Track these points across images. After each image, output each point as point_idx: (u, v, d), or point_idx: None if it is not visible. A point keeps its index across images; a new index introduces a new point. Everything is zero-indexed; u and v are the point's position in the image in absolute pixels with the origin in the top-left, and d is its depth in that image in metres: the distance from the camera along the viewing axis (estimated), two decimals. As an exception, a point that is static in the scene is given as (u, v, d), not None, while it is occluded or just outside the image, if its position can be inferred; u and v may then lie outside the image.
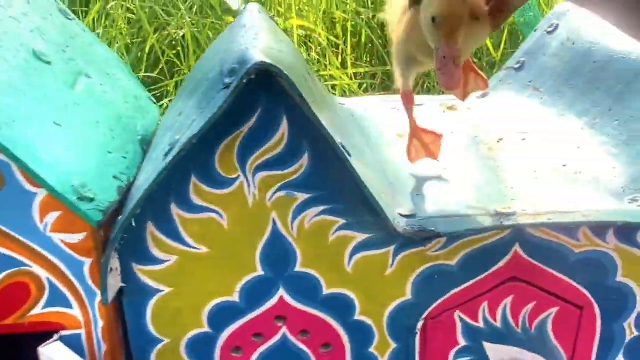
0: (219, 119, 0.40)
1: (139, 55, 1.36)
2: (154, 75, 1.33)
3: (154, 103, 0.73)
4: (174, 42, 1.40)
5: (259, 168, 0.43)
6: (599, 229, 0.47)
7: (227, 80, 0.40)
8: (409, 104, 0.52)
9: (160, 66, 1.33)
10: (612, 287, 0.50)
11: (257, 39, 0.48)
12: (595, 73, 0.63)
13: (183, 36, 1.36)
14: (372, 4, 1.49)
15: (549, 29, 0.75)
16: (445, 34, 0.37)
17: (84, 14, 1.41)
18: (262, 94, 0.41)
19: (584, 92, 0.63)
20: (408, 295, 0.48)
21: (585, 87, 0.63)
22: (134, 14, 1.45)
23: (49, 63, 0.53)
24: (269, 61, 0.39)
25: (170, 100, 1.21)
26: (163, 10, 1.35)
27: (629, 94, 0.57)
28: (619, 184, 0.50)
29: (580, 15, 0.72)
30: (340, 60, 1.39)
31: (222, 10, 1.17)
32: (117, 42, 1.35)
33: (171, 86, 1.27)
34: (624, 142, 0.54)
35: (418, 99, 0.72)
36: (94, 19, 1.37)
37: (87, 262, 0.44)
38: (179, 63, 1.33)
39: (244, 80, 0.39)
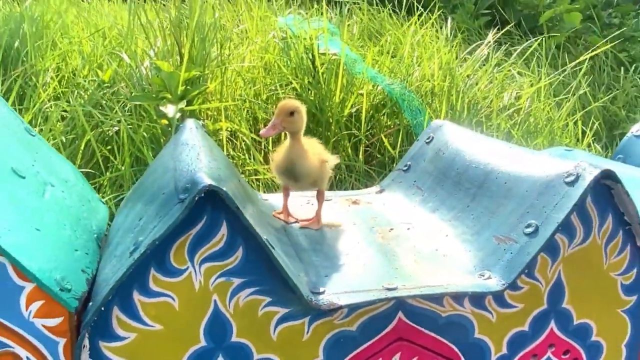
0: (175, 226, 0.54)
1: (74, 150, 1.46)
2: (87, 169, 1.42)
3: (102, 203, 0.85)
4: (107, 139, 1.51)
5: (204, 260, 0.57)
6: (458, 297, 0.64)
7: (181, 196, 0.54)
8: (285, 192, 0.82)
9: (94, 160, 1.43)
10: (472, 343, 0.66)
11: (199, 159, 0.63)
12: (458, 177, 0.83)
13: (117, 132, 1.47)
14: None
15: (427, 140, 0.96)
16: (275, 116, 0.72)
17: (20, 112, 1.50)
18: (207, 205, 0.56)
19: (451, 192, 0.83)
20: (321, 357, 0.62)
21: (451, 187, 0.83)
22: (66, 111, 1.56)
23: (23, 177, 0.65)
24: (214, 183, 0.54)
25: (104, 195, 1.31)
26: (98, 112, 1.47)
27: (480, 195, 0.77)
28: (472, 264, 0.68)
29: (449, 131, 0.94)
30: (262, 155, 1.56)
31: (158, 115, 1.32)
32: (53, 139, 1.44)
33: (105, 181, 1.37)
34: (476, 232, 0.73)
35: (328, 194, 0.89)
36: (31, 119, 1.46)
37: (62, 341, 0.54)
38: (112, 158, 1.43)
39: (195, 198, 0.53)
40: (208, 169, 0.58)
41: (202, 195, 0.54)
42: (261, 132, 0.74)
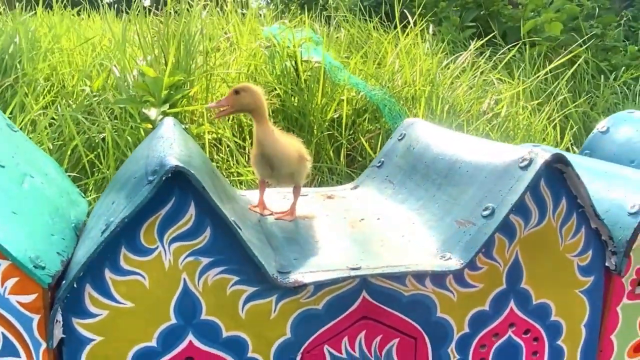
0: (144, 205, 0.57)
1: (60, 156, 1.49)
2: (74, 174, 1.45)
3: (83, 197, 0.87)
4: (93, 145, 1.55)
5: (173, 240, 0.60)
6: (419, 276, 0.67)
7: (150, 178, 0.57)
8: (262, 187, 0.84)
9: (81, 165, 1.46)
10: (435, 321, 0.69)
11: (171, 147, 0.66)
12: (426, 170, 0.86)
13: (103, 138, 1.50)
14: (274, 112, 1.74)
15: (399, 137, 1.00)
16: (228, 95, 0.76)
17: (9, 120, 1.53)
18: (175, 187, 0.59)
19: (419, 184, 0.86)
20: (288, 334, 0.65)
21: (420, 179, 0.87)
22: (54, 119, 1.59)
23: (3, 167, 0.68)
24: (181, 164, 0.57)
25: (91, 197, 1.34)
26: (85, 118, 1.51)
27: (445, 185, 0.80)
28: (435, 247, 0.71)
29: (420, 127, 0.98)
30: (246, 158, 1.60)
31: (142, 118, 1.35)
32: (40, 145, 1.47)
33: (91, 184, 1.40)
34: (440, 218, 0.76)
35: (304, 190, 0.92)
36: (20, 127, 1.49)
37: (36, 318, 0.56)
38: (98, 163, 1.46)
39: (163, 178, 0.56)
40: (178, 154, 0.62)
41: (170, 176, 0.57)
42: (208, 104, 0.78)
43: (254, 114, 0.77)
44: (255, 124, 0.77)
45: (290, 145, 0.81)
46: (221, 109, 0.76)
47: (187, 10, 1.87)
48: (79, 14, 2.96)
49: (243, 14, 2.61)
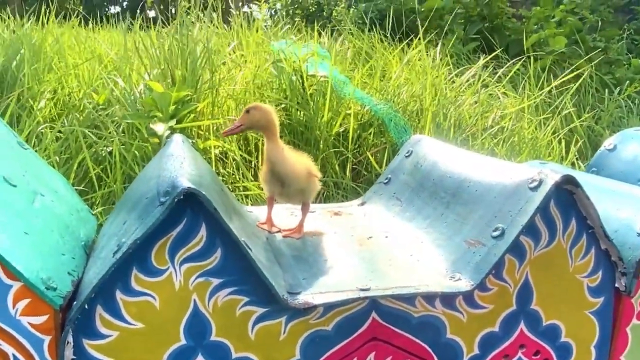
0: (156, 227, 0.57)
1: (67, 170, 1.49)
2: (80, 187, 1.46)
3: (92, 214, 0.88)
4: (100, 159, 1.55)
5: (184, 261, 0.60)
6: (429, 297, 0.67)
7: (162, 199, 0.58)
8: (270, 203, 0.84)
9: (87, 179, 1.46)
10: (445, 343, 0.69)
11: (182, 167, 0.67)
12: (434, 187, 0.87)
13: (110, 152, 1.51)
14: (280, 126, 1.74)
15: (407, 154, 1.00)
16: (241, 115, 0.78)
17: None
18: (187, 208, 0.59)
19: (427, 201, 0.86)
20: (297, 356, 0.64)
21: (428, 197, 0.87)
22: (60, 132, 1.60)
23: (15, 186, 0.68)
24: (193, 186, 0.57)
25: (98, 211, 1.34)
26: (91, 132, 1.51)
27: (454, 203, 0.80)
28: (444, 267, 0.71)
29: (427, 144, 0.98)
30: (252, 172, 1.60)
31: (149, 133, 1.36)
32: (47, 159, 1.48)
33: (98, 198, 1.40)
34: (449, 237, 0.76)
35: (312, 207, 0.92)
36: (26, 140, 1.50)
37: (47, 339, 0.56)
38: (105, 177, 1.47)
39: (175, 199, 0.56)
40: (189, 175, 0.62)
41: (182, 197, 0.57)
42: (226, 130, 0.80)
43: (265, 131, 0.78)
44: (266, 141, 0.78)
45: (299, 162, 0.82)
46: (232, 127, 0.78)
47: (196, 22, 1.88)
48: (85, 25, 2.98)
49: (248, 26, 2.63)
